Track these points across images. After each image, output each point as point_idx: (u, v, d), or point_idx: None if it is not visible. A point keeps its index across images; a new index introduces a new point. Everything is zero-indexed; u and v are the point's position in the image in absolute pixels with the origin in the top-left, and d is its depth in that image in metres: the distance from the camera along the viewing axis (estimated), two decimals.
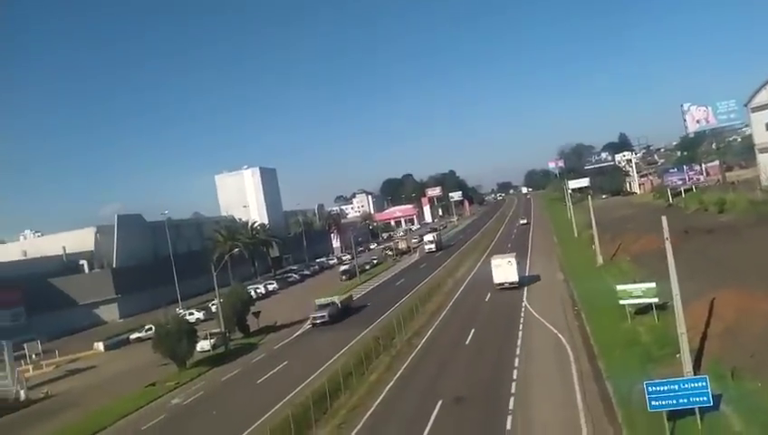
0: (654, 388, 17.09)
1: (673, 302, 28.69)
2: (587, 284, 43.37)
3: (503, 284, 48.83)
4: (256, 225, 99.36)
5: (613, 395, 22.20)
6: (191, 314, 62.86)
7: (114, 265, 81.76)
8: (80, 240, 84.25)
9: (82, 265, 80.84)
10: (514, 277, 48.69)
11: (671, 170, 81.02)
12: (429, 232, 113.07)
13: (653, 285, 28.26)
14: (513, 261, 49.82)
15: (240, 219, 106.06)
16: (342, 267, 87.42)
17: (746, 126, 78.45)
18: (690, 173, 76.58)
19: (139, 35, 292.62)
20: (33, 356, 53.81)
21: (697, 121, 76.86)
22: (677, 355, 22.54)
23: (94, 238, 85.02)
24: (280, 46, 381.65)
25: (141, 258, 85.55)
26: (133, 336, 59.79)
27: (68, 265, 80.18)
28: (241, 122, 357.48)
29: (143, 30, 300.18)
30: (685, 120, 77.12)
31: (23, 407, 39.52)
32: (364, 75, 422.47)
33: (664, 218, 21.30)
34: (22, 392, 41.32)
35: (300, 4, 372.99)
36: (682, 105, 76.77)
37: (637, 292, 28.72)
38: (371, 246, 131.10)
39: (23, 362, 52.04)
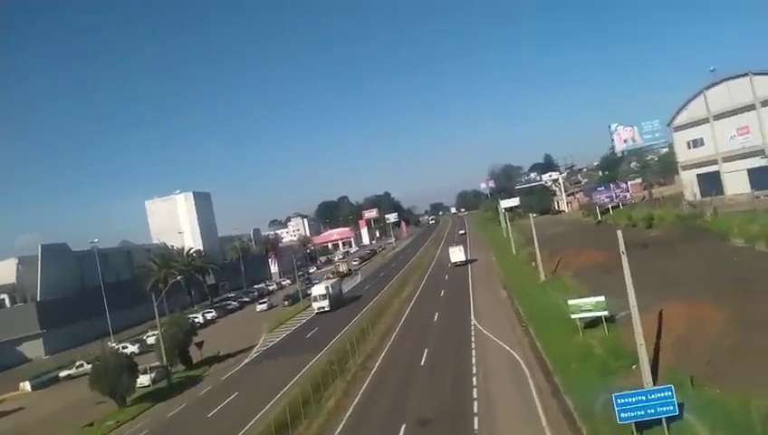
0: (622, 400, 17.61)
1: (619, 315, 30.34)
2: (531, 300, 44.51)
3: (456, 262, 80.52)
4: (192, 251, 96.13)
5: (574, 409, 22.64)
6: (125, 347, 59.61)
7: (38, 299, 76.61)
8: None
9: (3, 299, 75.34)
10: (464, 257, 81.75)
11: (599, 189, 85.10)
12: (321, 282, 77.45)
13: (602, 298, 29.34)
14: (463, 248, 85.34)
15: (173, 246, 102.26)
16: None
17: (666, 146, 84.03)
18: (617, 191, 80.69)
19: (60, 47, 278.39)
20: None
21: (624, 141, 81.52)
22: (634, 366, 23.49)
23: (16, 270, 79.57)
24: (208, 65, 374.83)
25: (67, 290, 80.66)
26: (63, 374, 56.07)
27: None
28: (168, 145, 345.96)
29: (65, 41, 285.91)
30: (612, 140, 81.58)
31: None
32: (295, 97, 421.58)
33: (619, 233, 22.27)
34: None
35: (232, 19, 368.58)
36: (610, 126, 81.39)
37: (587, 306, 29.68)
38: (311, 270, 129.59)
39: None
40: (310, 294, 69.42)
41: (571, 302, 30.93)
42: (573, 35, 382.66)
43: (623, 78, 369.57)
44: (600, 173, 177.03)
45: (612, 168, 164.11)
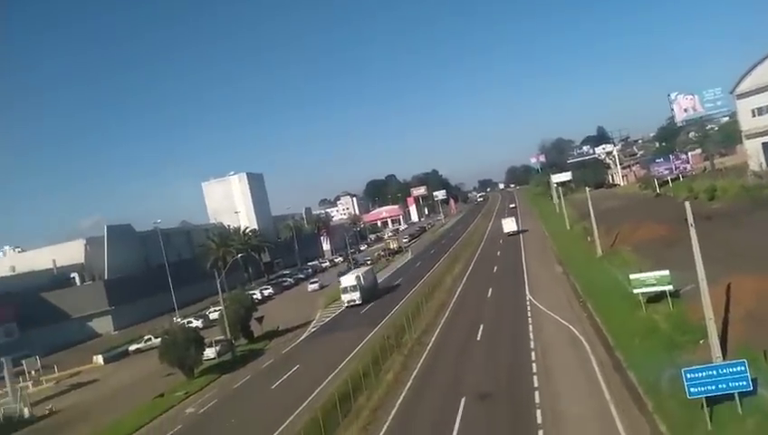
0: (692, 374, 17.31)
1: (684, 289, 29.59)
2: (589, 275, 43.73)
3: (508, 232, 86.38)
4: (248, 230, 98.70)
5: (639, 384, 22.37)
6: (189, 322, 62.11)
7: (106, 277, 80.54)
8: (69, 253, 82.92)
9: (73, 278, 79.57)
10: (515, 227, 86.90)
11: (657, 160, 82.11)
12: (349, 272, 68.46)
13: (666, 272, 28.63)
14: (514, 219, 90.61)
15: (229, 226, 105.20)
16: (339, 269, 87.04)
17: (729, 115, 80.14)
18: (677, 162, 77.75)
19: (121, 43, 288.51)
20: (33, 372, 52.78)
21: (685, 110, 78.24)
22: (701, 341, 22.97)
23: (84, 250, 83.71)
24: (262, 52, 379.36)
25: (132, 269, 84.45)
26: (132, 348, 59.10)
27: (59, 278, 78.91)
28: (222, 127, 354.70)
29: (125, 37, 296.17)
30: (672, 110, 78.36)
31: (28, 424, 38.82)
32: (344, 78, 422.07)
33: (687, 204, 21.58)
34: (25, 410, 40.59)
35: (284, 8, 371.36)
36: (669, 95, 78.08)
37: (650, 280, 29.00)
38: (361, 248, 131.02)
39: (21, 378, 51.04)
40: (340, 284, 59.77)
41: (633, 276, 30.28)
42: (624, 5, 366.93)
43: (680, 45, 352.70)
44: (657, 144, 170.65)
45: (670, 138, 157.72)
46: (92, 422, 35.54)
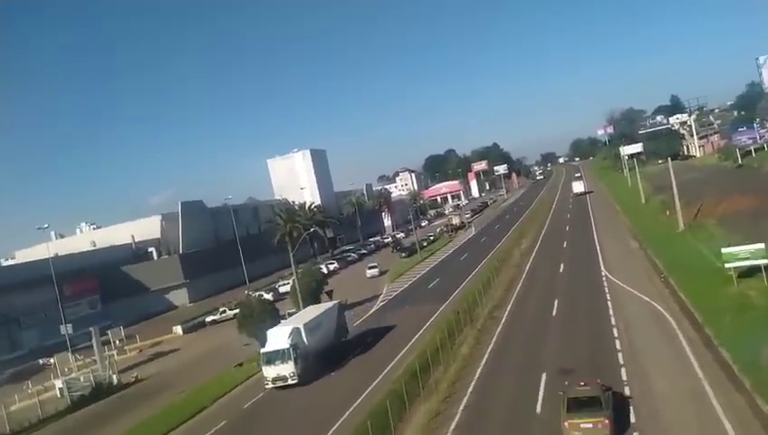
0: None
1: None
2: (670, 250, 41.90)
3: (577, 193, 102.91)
4: (312, 206, 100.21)
5: (733, 362, 21.37)
6: (260, 295, 63.79)
7: (180, 252, 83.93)
8: (146, 228, 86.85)
9: (151, 252, 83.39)
10: (583, 189, 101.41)
11: (740, 129, 77.28)
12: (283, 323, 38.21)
13: (762, 246, 27.08)
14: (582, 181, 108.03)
15: (293, 202, 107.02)
16: (400, 245, 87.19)
17: None
18: (762, 131, 73.00)
19: (183, 28, 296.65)
20: (117, 342, 55.91)
21: None
22: None
23: (160, 226, 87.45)
24: (324, 35, 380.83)
25: (204, 243, 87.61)
26: (209, 319, 61.51)
27: (137, 253, 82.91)
28: (284, 105, 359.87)
29: (188, 22, 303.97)
30: (761, 74, 73.43)
31: (117, 390, 41.12)
32: (399, 51, 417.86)
33: None
34: (114, 377, 43.01)
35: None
36: (757, 58, 73.16)
37: (744, 254, 27.54)
38: (422, 224, 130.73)
39: (106, 347, 54.12)
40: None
41: (725, 250, 28.77)
42: None
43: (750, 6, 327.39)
44: (736, 113, 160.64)
45: (750, 106, 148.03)
46: (177, 389, 37.25)
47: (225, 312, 60.40)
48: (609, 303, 34.03)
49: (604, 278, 40.52)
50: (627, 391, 21.28)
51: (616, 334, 28.06)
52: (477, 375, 26.96)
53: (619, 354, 25.27)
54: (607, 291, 36.88)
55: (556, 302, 36.65)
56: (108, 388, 41.30)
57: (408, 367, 28.25)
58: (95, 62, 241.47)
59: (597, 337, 28.44)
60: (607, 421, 17.58)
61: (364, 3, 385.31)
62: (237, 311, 57.01)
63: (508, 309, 38.12)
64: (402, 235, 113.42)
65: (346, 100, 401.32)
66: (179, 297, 79.44)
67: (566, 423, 17.86)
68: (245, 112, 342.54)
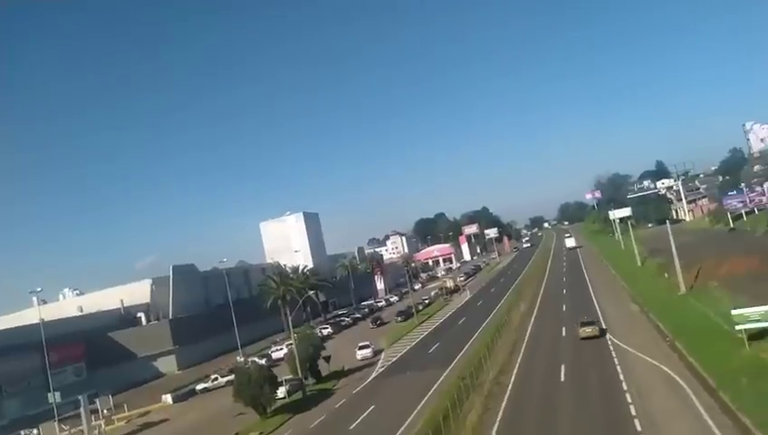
0: None
1: None
2: (673, 313, 41.62)
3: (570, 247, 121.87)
4: (306, 270, 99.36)
5: (756, 428, 20.73)
6: (254, 361, 62.15)
7: (170, 316, 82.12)
8: (136, 293, 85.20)
9: (140, 317, 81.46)
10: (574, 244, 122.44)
11: (730, 193, 78.89)
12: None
13: None
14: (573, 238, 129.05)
15: (285, 265, 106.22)
16: (380, 319, 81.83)
17: None
18: (751, 195, 74.46)
19: (172, 81, 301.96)
20: (105, 411, 53.56)
21: (761, 140, 75.57)
22: None
23: (150, 290, 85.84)
24: (307, 93, 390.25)
25: (195, 308, 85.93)
26: (199, 387, 59.37)
27: (125, 317, 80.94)
28: (270, 167, 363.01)
29: (177, 73, 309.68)
30: (748, 140, 75.78)
31: None
32: (390, 116, 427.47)
33: None
34: None
35: (329, 50, 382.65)
36: (744, 124, 75.81)
37: (755, 316, 27.32)
38: (415, 287, 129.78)
39: (93, 417, 51.81)
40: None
41: (735, 311, 28.56)
42: (677, 34, 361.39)
43: (735, 76, 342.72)
44: (720, 178, 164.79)
45: (734, 172, 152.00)
46: None
47: (216, 379, 58.48)
48: (617, 367, 33.30)
49: (609, 341, 39.93)
50: None
51: (629, 400, 27.26)
52: None
53: (636, 421, 24.43)
54: (614, 355, 36.22)
55: (563, 367, 35.84)
56: None
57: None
58: (78, 119, 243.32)
59: (610, 403, 27.60)
60: None
61: (353, 65, 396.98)
62: (230, 378, 55.60)
63: (514, 374, 37.13)
64: (396, 298, 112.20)
65: (336, 163, 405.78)
66: (167, 364, 76.91)
67: None
68: (234, 175, 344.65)
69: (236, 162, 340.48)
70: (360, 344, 58.33)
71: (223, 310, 79.86)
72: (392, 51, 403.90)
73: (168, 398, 57.07)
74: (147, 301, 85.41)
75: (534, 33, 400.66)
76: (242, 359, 66.29)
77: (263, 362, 63.23)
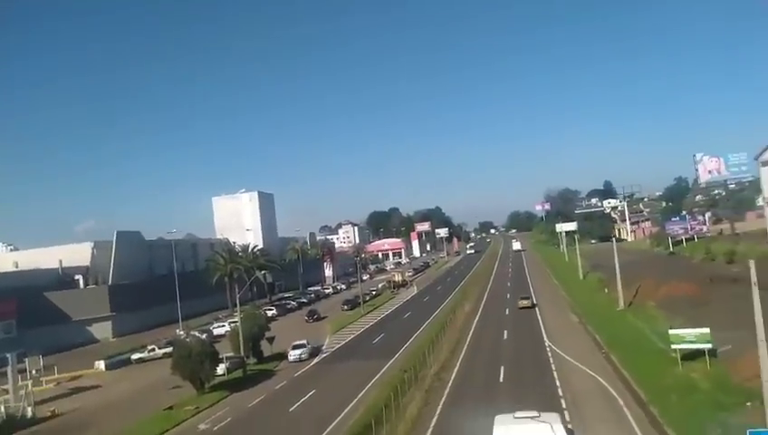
0: None
1: (721, 350, 29.36)
2: (611, 327, 43.21)
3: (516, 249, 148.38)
4: (256, 249, 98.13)
5: None
6: (194, 336, 61.06)
7: (110, 282, 79.64)
8: (76, 255, 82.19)
9: (78, 279, 78.67)
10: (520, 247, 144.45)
11: (673, 219, 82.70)
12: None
13: (707, 330, 28.44)
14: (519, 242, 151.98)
15: (234, 243, 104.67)
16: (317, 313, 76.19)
17: (748, 181, 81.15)
18: (693, 223, 78.25)
19: (135, 49, 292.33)
20: (34, 371, 51.57)
21: (709, 172, 79.37)
22: (748, 404, 22.65)
23: (91, 253, 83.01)
24: (272, 76, 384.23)
25: (137, 276, 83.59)
26: (135, 356, 58.00)
27: (63, 279, 77.99)
28: (226, 144, 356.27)
29: (140, 44, 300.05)
30: (697, 170, 79.49)
31: (31, 424, 37.73)
32: (350, 107, 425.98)
33: (752, 263, 21.38)
34: (29, 409, 39.56)
35: (294, 38, 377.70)
36: (695, 155, 79.48)
37: (690, 337, 28.79)
38: (364, 277, 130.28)
39: (20, 377, 49.83)
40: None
41: (672, 331, 30.02)
42: (640, 60, 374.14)
43: (686, 108, 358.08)
44: (664, 204, 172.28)
45: (677, 199, 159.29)
46: (98, 429, 34.51)
47: (153, 350, 57.31)
48: (554, 373, 34.41)
49: (548, 348, 41.16)
50: None
51: (564, 405, 28.28)
52: None
53: (569, 426, 25.41)
54: (551, 361, 37.37)
55: (502, 368, 36.79)
56: (21, 421, 37.80)
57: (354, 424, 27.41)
58: (28, 72, 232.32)
59: (544, 407, 28.48)
60: None
61: (318, 54, 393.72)
62: (167, 350, 54.64)
63: (455, 370, 37.90)
64: (344, 286, 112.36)
65: (295, 147, 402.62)
66: (103, 330, 74.68)
67: None
68: (190, 148, 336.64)
69: (194, 134, 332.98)
70: (294, 344, 50.06)
71: (166, 281, 78.00)
72: (357, 37, 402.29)
73: (101, 364, 55.56)
74: (87, 264, 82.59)
75: (501, 45, 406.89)
76: (182, 332, 64.98)
77: (203, 337, 62.39)
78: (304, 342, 50.49)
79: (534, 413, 19.22)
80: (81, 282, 79.29)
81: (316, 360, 48.22)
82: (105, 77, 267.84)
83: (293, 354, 48.32)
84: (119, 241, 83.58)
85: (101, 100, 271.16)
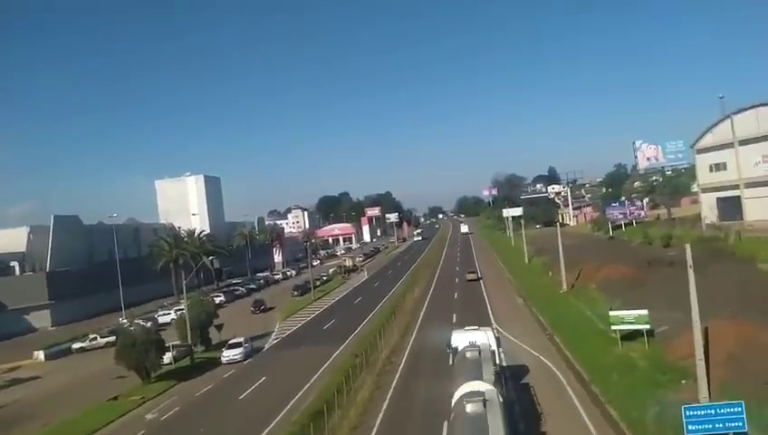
0: (692, 412, 17.91)
1: (658, 330, 30.75)
2: (554, 309, 44.52)
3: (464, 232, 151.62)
4: (202, 235, 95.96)
5: (621, 419, 22.87)
6: (138, 324, 59.48)
7: (48, 269, 76.38)
8: (9, 240, 78.37)
9: (13, 266, 75.10)
10: (467, 229, 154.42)
11: (613, 204, 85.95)
12: None
13: (645, 312, 29.63)
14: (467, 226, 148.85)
15: (179, 227, 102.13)
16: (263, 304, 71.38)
17: (685, 167, 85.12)
18: (631, 208, 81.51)
19: (75, 23, 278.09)
20: None
21: (648, 159, 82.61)
22: (683, 381, 23.90)
23: (27, 239, 79.31)
24: (221, 63, 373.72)
25: (76, 263, 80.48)
26: (76, 346, 56.04)
27: None
28: (169, 125, 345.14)
29: (81, 19, 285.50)
30: (636, 157, 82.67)
31: None
32: (299, 92, 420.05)
33: (688, 247, 22.42)
34: None
35: (241, 15, 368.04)
36: (634, 142, 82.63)
37: (629, 318, 29.96)
38: (314, 263, 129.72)
39: None
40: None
41: (612, 313, 31.20)
42: (584, 51, 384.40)
43: (628, 98, 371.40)
44: (604, 190, 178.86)
45: (616, 185, 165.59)
46: (40, 421, 33.27)
47: (95, 339, 55.54)
48: (501, 355, 35.37)
49: (494, 330, 42.16)
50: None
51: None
52: (379, 421, 26.75)
53: (515, 406, 26.25)
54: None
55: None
56: None
57: (305, 410, 27.45)
58: None
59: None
60: None
61: (274, 37, 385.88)
62: (110, 339, 53.12)
63: (406, 353, 38.51)
64: (293, 272, 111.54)
65: (242, 130, 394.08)
66: (41, 319, 71.77)
67: None
68: (132, 129, 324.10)
69: (137, 114, 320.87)
70: (231, 342, 44.52)
71: (107, 267, 75.50)
72: (306, 17, 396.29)
73: (40, 354, 53.47)
74: (22, 250, 78.94)
75: (451, 28, 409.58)
76: (125, 320, 63.20)
77: (148, 325, 60.83)
78: (241, 340, 44.57)
79: (476, 327, 30.83)
80: (17, 269, 75.90)
81: (266, 347, 47.82)
82: (42, 52, 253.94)
83: (227, 356, 42.56)
84: (56, 226, 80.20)
85: (36, 75, 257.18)
